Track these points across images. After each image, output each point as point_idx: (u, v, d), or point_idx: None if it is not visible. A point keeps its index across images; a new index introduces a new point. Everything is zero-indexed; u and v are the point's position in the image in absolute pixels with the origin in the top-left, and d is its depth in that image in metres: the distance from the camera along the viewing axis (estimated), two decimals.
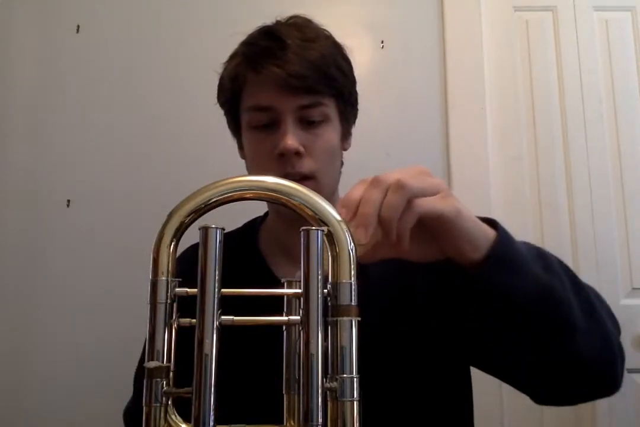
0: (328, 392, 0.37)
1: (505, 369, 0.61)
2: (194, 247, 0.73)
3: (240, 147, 0.79)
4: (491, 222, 0.55)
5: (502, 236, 0.54)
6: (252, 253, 0.79)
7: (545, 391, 0.60)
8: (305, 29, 0.73)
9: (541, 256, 0.57)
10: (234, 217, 0.75)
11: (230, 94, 0.75)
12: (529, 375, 0.58)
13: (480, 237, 0.52)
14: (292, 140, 0.68)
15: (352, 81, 0.76)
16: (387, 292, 0.71)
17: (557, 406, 0.64)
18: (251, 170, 0.76)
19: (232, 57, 0.75)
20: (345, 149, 0.79)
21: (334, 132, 0.74)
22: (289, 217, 0.68)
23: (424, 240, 0.53)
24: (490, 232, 0.54)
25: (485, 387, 1.36)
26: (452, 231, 0.51)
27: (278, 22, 0.75)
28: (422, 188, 0.49)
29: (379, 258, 0.52)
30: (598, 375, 0.57)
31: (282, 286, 0.42)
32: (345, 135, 0.78)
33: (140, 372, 0.77)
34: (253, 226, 0.85)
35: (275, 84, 0.68)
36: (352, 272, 0.39)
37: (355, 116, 0.80)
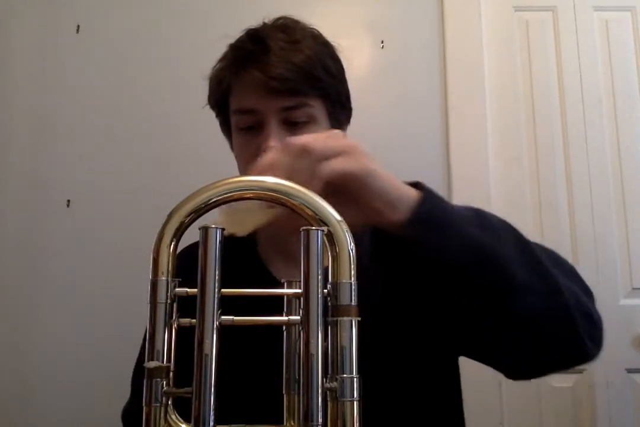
0: (328, 392, 0.37)
1: (465, 340, 0.59)
2: (189, 248, 0.73)
3: (232, 148, 0.80)
4: (418, 185, 0.54)
5: (427, 196, 0.53)
6: (250, 254, 0.79)
7: (504, 358, 0.58)
8: (290, 30, 0.72)
9: (478, 215, 0.56)
10: None
11: (219, 97, 0.76)
12: (482, 340, 0.56)
13: (397, 197, 0.52)
14: (274, 142, 0.68)
15: (340, 81, 0.76)
16: (376, 289, 0.71)
17: (528, 379, 0.62)
18: (240, 172, 0.76)
19: (220, 60, 0.76)
20: None
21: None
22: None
23: (346, 204, 0.50)
24: (413, 193, 0.53)
25: (485, 387, 1.37)
26: (364, 190, 0.50)
27: (265, 25, 0.75)
28: (327, 150, 0.49)
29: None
30: (552, 334, 0.55)
31: (282, 286, 0.42)
32: None
33: (139, 373, 0.77)
34: None
35: (257, 87, 0.69)
36: (352, 272, 0.39)
37: (347, 116, 0.79)
